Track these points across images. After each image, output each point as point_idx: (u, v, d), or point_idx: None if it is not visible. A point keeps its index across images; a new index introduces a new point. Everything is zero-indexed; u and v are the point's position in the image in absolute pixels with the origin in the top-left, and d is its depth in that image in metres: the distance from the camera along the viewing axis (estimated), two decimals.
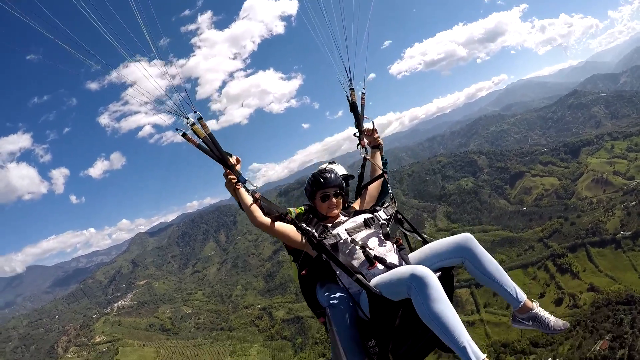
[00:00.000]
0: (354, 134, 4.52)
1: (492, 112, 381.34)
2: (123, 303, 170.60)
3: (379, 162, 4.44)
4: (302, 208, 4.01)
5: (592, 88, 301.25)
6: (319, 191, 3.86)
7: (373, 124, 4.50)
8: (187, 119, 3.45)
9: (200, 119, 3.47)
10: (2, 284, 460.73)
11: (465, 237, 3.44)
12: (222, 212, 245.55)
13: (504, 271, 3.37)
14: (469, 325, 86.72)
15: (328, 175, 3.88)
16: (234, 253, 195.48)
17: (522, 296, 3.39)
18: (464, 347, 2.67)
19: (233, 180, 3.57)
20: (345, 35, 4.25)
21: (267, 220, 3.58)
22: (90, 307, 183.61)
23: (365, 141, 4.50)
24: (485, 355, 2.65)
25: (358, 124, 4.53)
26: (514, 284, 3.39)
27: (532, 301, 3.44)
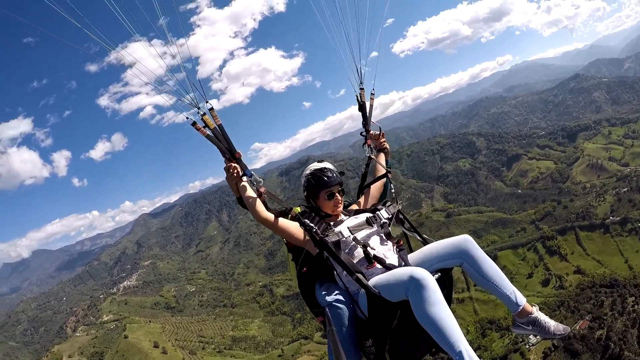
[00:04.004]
0: (361, 133, 4.62)
1: (494, 94, 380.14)
2: (128, 283, 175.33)
3: (384, 163, 4.53)
4: (299, 209, 3.95)
5: (595, 72, 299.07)
6: (323, 190, 3.86)
7: (380, 129, 4.60)
8: (198, 108, 3.51)
9: (211, 109, 3.53)
10: (8, 269, 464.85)
11: (464, 239, 3.43)
12: (224, 191, 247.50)
13: (503, 274, 3.37)
14: (458, 302, 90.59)
15: (330, 174, 3.90)
16: (236, 232, 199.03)
17: (522, 300, 3.34)
18: (460, 352, 2.66)
19: (235, 174, 3.56)
20: (358, 35, 4.29)
21: (270, 215, 3.60)
22: (97, 289, 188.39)
23: (371, 142, 4.62)
24: None
25: (365, 123, 4.60)
26: (514, 288, 3.36)
27: (531, 305, 3.40)
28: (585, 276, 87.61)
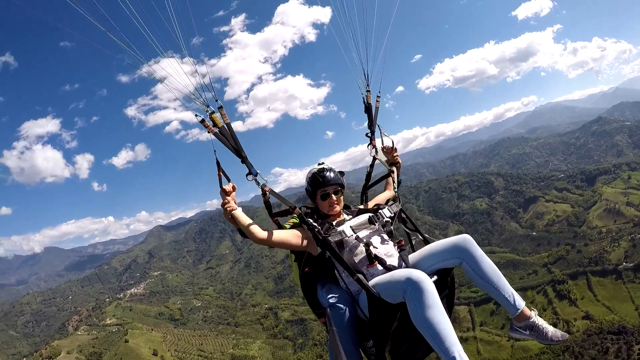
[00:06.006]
0: (366, 134, 4.58)
1: (516, 134, 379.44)
2: (136, 290, 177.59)
3: (394, 179, 4.50)
4: (296, 219, 3.93)
5: (619, 115, 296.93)
6: (318, 190, 3.84)
7: (392, 142, 4.57)
8: (208, 107, 3.53)
9: (220, 108, 3.56)
10: (18, 261, 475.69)
11: (464, 239, 3.39)
12: None
13: (502, 276, 3.33)
14: (462, 341, 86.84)
15: (327, 173, 3.87)
16: (248, 253, 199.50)
17: (520, 303, 3.31)
18: (454, 357, 2.65)
19: (230, 209, 3.51)
20: (366, 39, 4.31)
21: (265, 233, 3.52)
22: (104, 292, 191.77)
23: (377, 143, 4.59)
24: None
25: (370, 124, 4.59)
26: (513, 290, 3.33)
27: (530, 309, 3.36)
28: (594, 322, 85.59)
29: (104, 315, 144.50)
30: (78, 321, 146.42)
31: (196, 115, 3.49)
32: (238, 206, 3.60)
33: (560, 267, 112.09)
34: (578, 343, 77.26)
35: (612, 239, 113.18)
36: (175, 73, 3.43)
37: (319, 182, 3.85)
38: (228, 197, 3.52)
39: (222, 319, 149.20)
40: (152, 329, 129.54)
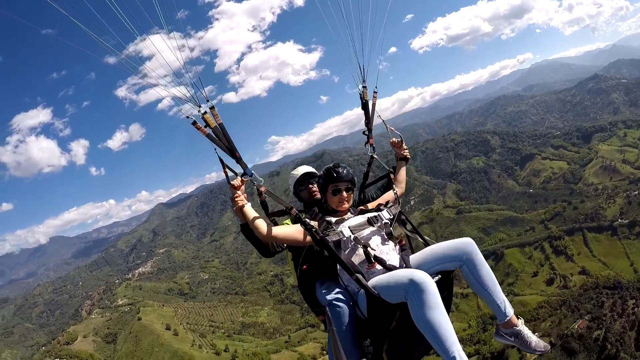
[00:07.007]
0: (363, 132, 4.52)
1: (512, 92, 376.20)
2: (143, 269, 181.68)
3: (403, 174, 4.45)
4: (289, 221, 4.03)
5: (615, 73, 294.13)
6: (330, 184, 3.82)
7: (401, 137, 4.52)
8: (200, 107, 3.47)
9: (212, 108, 3.51)
10: (25, 255, 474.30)
11: (467, 243, 3.40)
12: None
13: (497, 283, 3.40)
14: (462, 297, 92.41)
15: (341, 170, 3.84)
16: None
17: (510, 311, 3.39)
18: (454, 357, 2.69)
19: (240, 202, 3.61)
20: (361, 33, 4.24)
21: (271, 229, 3.55)
22: (112, 274, 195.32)
23: (372, 140, 4.53)
24: None
25: (368, 121, 4.51)
26: (505, 298, 3.39)
27: (518, 318, 3.44)
28: (590, 277, 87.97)
29: (115, 296, 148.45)
30: (90, 305, 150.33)
31: (187, 118, 3.47)
32: (248, 201, 3.70)
33: (557, 224, 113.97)
34: (574, 297, 79.40)
35: (608, 196, 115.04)
36: (166, 58, 3.43)
37: (332, 177, 3.84)
38: (238, 192, 3.67)
39: (230, 289, 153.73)
40: (163, 305, 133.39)
